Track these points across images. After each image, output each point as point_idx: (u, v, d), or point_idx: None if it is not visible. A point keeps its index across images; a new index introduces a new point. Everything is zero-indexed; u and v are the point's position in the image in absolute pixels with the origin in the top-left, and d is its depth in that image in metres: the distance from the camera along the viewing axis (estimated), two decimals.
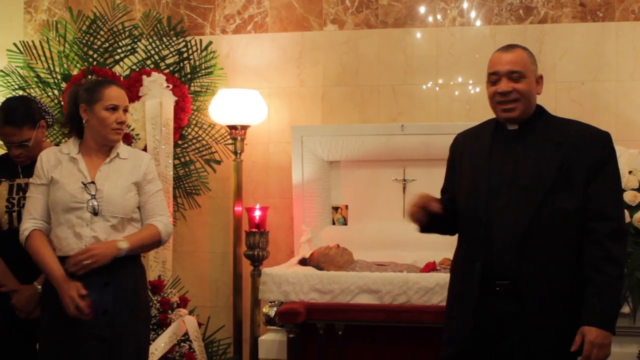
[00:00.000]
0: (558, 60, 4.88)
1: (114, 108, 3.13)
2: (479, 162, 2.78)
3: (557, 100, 4.82)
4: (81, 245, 3.03)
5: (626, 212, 3.85)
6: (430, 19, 5.03)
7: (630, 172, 4.04)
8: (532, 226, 2.63)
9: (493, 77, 2.75)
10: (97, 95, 3.13)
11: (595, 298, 2.57)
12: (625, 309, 3.81)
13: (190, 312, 4.54)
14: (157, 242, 3.22)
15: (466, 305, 2.72)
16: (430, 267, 4.20)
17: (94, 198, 3.05)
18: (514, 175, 2.70)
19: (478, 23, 4.97)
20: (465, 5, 4.98)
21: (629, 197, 3.95)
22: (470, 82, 4.94)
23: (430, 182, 4.48)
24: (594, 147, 2.67)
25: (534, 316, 2.64)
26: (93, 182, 3.09)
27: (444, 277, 3.29)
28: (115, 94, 3.15)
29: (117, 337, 3.05)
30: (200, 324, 4.51)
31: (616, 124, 4.73)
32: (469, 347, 2.72)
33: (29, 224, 3.11)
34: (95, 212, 3.04)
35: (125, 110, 3.19)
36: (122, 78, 4.75)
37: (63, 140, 4.68)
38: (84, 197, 3.06)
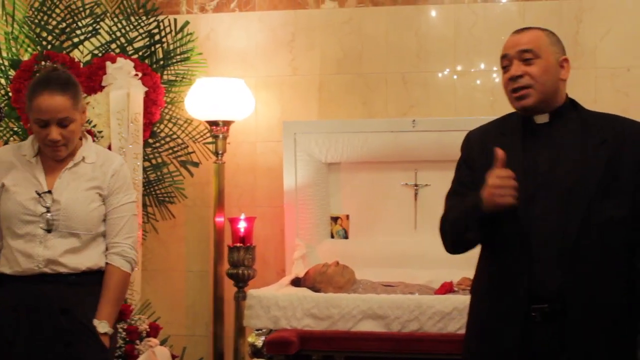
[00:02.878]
0: (599, 42, 4.87)
1: (45, 124, 2.99)
2: (511, 164, 2.74)
3: (597, 89, 4.82)
4: (32, 266, 3.00)
5: None
6: None
7: None
8: (580, 238, 2.62)
9: (504, 62, 2.78)
10: (29, 102, 3.02)
11: None
12: None
13: (162, 342, 4.54)
14: (126, 282, 3.21)
15: (509, 333, 2.68)
16: (447, 288, 4.20)
17: (49, 211, 3.02)
18: (551, 177, 2.71)
19: None
20: None
21: None
22: (495, 68, 4.91)
23: (447, 188, 4.57)
24: None
25: (579, 348, 2.62)
26: (50, 192, 3.05)
27: (464, 299, 3.29)
28: (46, 105, 2.97)
29: None
30: (174, 357, 4.50)
31: None
32: None
33: None
34: (49, 229, 3.01)
35: (64, 125, 3.00)
36: (82, 64, 4.75)
37: (11, 139, 4.69)
38: (37, 210, 3.02)
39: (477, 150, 2.91)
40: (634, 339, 2.64)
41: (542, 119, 2.78)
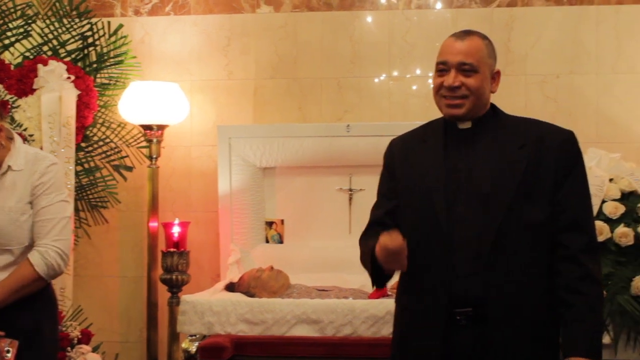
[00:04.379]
0: (529, 49, 4.96)
1: None
2: (432, 169, 2.79)
3: (528, 96, 4.88)
4: None
5: (606, 226, 3.93)
6: (383, 0, 5.07)
7: (611, 180, 4.09)
8: (498, 242, 2.64)
9: (441, 67, 2.79)
10: None
11: (577, 323, 2.61)
12: (606, 339, 3.86)
13: (95, 349, 4.51)
14: (33, 282, 2.96)
15: (431, 337, 2.70)
16: (380, 293, 4.18)
17: None
18: (470, 182, 2.73)
19: (438, 6, 5.03)
20: None
21: (609, 208, 4.00)
22: (430, 74, 4.92)
23: None
24: (560, 148, 2.72)
25: (503, 349, 2.65)
26: None
27: None
28: None
29: None
30: None
31: (597, 124, 4.84)
32: None
33: None
34: None
35: None
36: (12, 67, 4.71)
37: None
38: None
39: (398, 159, 2.92)
40: (556, 339, 2.69)
41: (464, 125, 2.80)
